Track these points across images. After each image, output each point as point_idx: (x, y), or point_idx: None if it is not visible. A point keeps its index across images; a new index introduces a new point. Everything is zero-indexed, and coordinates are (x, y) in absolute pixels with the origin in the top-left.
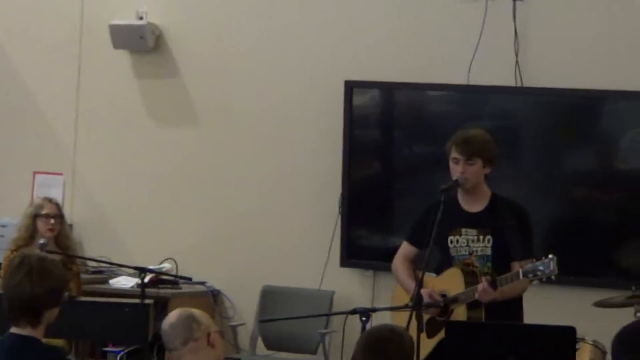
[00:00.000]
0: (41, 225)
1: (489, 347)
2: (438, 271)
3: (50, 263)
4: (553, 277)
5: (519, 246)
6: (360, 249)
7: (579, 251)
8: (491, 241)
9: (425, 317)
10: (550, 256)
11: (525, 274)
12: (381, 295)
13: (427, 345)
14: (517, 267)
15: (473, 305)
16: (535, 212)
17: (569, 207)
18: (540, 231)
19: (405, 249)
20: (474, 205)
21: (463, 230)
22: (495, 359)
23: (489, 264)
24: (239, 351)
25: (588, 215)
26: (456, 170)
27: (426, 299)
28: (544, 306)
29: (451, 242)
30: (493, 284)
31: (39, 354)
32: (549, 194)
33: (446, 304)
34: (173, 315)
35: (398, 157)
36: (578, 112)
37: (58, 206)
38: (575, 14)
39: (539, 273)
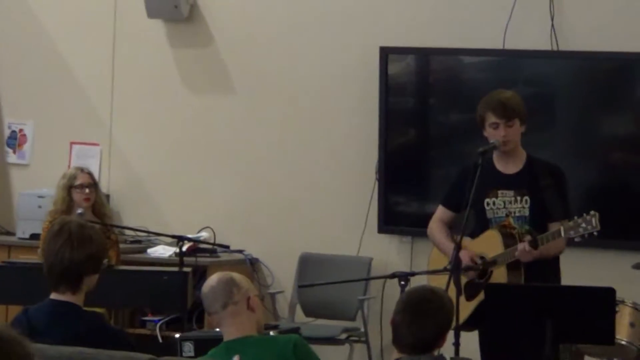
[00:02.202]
0: (77, 195)
1: (528, 309)
2: (474, 235)
3: (90, 230)
4: (595, 233)
5: (558, 206)
6: (398, 215)
7: (616, 215)
8: (529, 202)
9: (464, 279)
10: (592, 212)
11: (567, 232)
12: (419, 261)
13: (467, 307)
14: (557, 226)
15: (513, 267)
16: (572, 177)
17: (606, 172)
18: (577, 196)
19: (441, 212)
20: (510, 166)
21: (499, 192)
22: (535, 321)
23: (527, 225)
24: (278, 318)
25: (624, 179)
26: (497, 135)
27: (466, 262)
28: (582, 270)
29: (487, 204)
30: (534, 244)
31: (79, 319)
32: (585, 158)
33: (485, 266)
34: (213, 279)
35: (434, 124)
36: (615, 76)
37: (91, 175)
38: None
39: (581, 230)
